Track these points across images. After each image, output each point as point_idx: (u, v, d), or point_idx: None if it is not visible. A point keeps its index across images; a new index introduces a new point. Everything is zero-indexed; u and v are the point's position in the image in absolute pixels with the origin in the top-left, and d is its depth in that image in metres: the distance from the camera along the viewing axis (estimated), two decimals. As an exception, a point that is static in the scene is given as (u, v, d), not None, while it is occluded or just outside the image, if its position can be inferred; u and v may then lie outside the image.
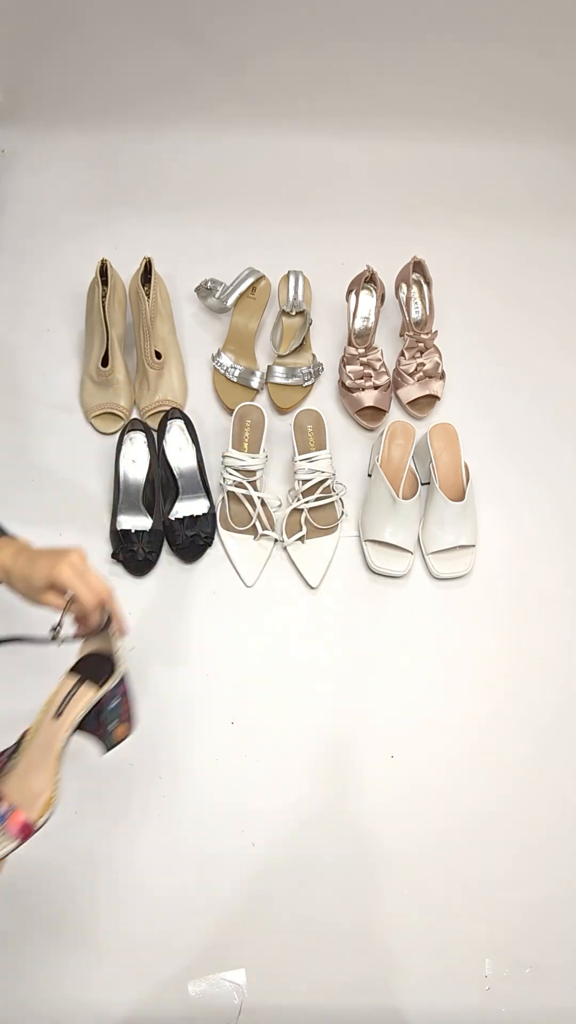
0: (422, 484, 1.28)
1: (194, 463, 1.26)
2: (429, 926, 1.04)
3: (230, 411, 1.32)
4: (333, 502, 1.25)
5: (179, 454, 1.27)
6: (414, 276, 1.40)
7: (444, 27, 1.50)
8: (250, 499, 1.23)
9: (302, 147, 1.62)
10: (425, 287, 1.41)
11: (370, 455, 1.33)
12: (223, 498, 1.25)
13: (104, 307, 1.32)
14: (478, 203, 1.61)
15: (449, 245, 1.52)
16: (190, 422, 1.27)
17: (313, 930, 1.03)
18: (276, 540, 1.24)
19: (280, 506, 1.27)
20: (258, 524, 1.23)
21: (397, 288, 1.43)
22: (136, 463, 1.25)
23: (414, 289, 1.41)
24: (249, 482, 1.23)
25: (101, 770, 1.10)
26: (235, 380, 1.35)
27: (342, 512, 1.26)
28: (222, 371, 1.35)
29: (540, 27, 1.50)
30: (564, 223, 1.60)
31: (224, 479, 1.24)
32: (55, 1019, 0.98)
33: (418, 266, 1.40)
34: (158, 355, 1.31)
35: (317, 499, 1.23)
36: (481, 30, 1.50)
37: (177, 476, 1.25)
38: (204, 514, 1.23)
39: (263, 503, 1.24)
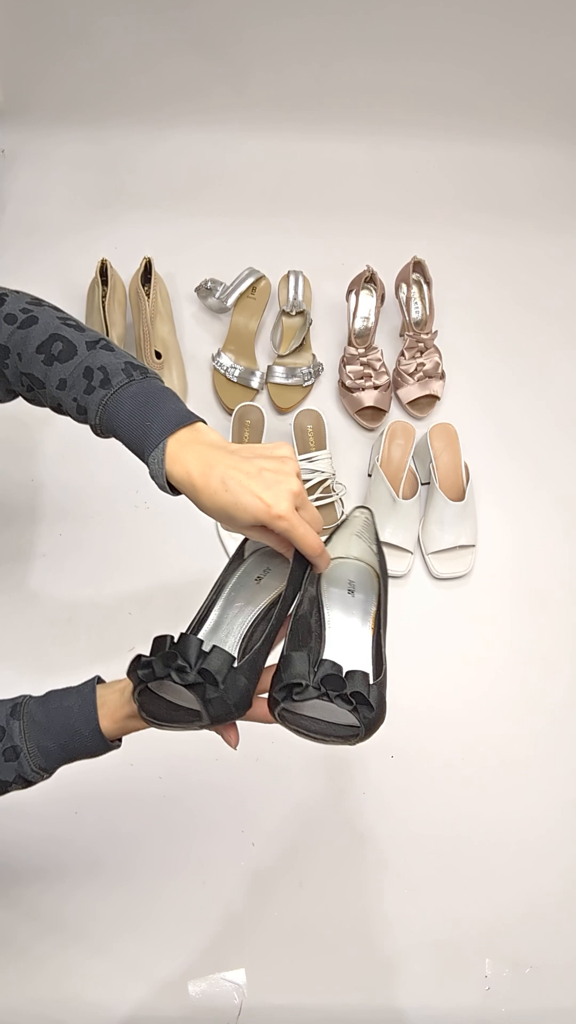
0: (422, 484, 1.28)
1: None
2: (429, 926, 1.04)
3: (230, 411, 1.32)
4: (333, 502, 1.25)
5: None
6: (414, 276, 1.40)
7: (444, 25, 1.50)
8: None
9: (302, 147, 1.62)
10: (425, 287, 1.41)
11: (370, 455, 1.33)
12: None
13: (104, 307, 1.32)
14: (478, 202, 1.61)
15: (449, 244, 1.53)
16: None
17: (313, 930, 1.03)
18: (276, 540, 1.24)
19: (280, 506, 1.26)
20: (258, 524, 1.23)
21: (397, 288, 1.43)
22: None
23: (414, 289, 1.41)
24: (249, 482, 1.23)
25: (101, 771, 1.10)
26: (235, 380, 1.35)
27: (342, 512, 1.26)
28: (222, 371, 1.35)
29: (541, 25, 1.50)
30: (565, 221, 1.60)
31: (224, 479, 1.24)
32: (55, 1019, 0.98)
33: (418, 266, 1.40)
34: (158, 355, 1.31)
35: (317, 499, 1.23)
36: (481, 28, 1.50)
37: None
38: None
39: (263, 503, 1.24)
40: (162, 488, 0.69)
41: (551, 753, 1.14)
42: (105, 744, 0.71)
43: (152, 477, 0.68)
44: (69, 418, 0.75)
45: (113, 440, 0.73)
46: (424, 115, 1.62)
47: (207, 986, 1.00)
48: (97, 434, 0.73)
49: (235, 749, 0.67)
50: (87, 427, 0.73)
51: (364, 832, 1.08)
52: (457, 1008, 1.01)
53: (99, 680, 0.73)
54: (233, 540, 1.23)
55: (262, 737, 1.12)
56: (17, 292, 0.77)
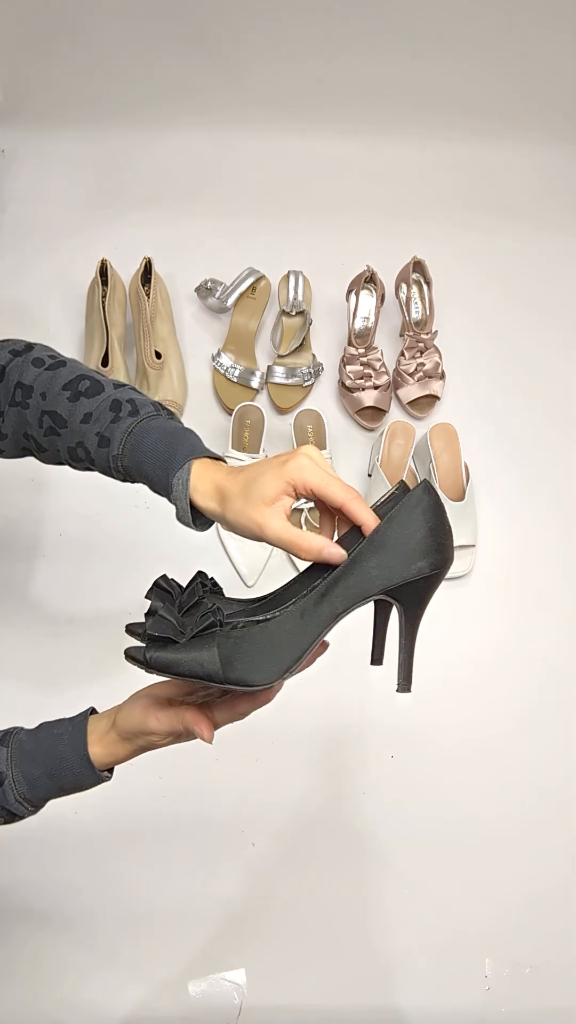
0: (422, 484, 1.28)
1: None
2: (429, 926, 1.04)
3: (230, 411, 1.32)
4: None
5: None
6: (414, 276, 1.40)
7: (444, 24, 1.50)
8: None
9: (302, 147, 1.62)
10: (425, 287, 1.41)
11: (370, 455, 1.33)
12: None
13: (104, 307, 1.32)
14: (479, 201, 1.61)
15: (449, 244, 1.52)
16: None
17: (313, 930, 1.03)
18: (276, 540, 1.24)
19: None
20: (258, 524, 1.23)
21: (397, 288, 1.43)
22: None
23: (414, 289, 1.41)
24: (249, 482, 1.23)
25: (101, 770, 1.10)
26: (235, 380, 1.35)
27: (342, 512, 1.26)
28: (222, 371, 1.35)
29: (542, 24, 1.50)
30: (565, 221, 1.60)
31: (224, 479, 1.24)
32: (55, 1019, 0.98)
33: (418, 266, 1.40)
34: (158, 355, 1.31)
35: (317, 499, 1.23)
36: (482, 26, 1.50)
37: None
38: None
39: (263, 503, 1.24)
40: (183, 514, 0.67)
41: (550, 753, 1.14)
42: (94, 773, 0.69)
43: (175, 500, 0.66)
44: (79, 468, 0.75)
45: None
46: (424, 115, 1.62)
47: (207, 986, 1.00)
48: (116, 468, 0.71)
49: (210, 743, 0.64)
50: (98, 472, 0.73)
51: (364, 832, 1.08)
52: (457, 1008, 1.01)
53: (93, 711, 0.72)
54: (234, 540, 1.23)
55: (262, 737, 1.13)
56: (44, 345, 0.79)
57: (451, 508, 1.22)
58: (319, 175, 1.61)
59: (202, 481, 0.65)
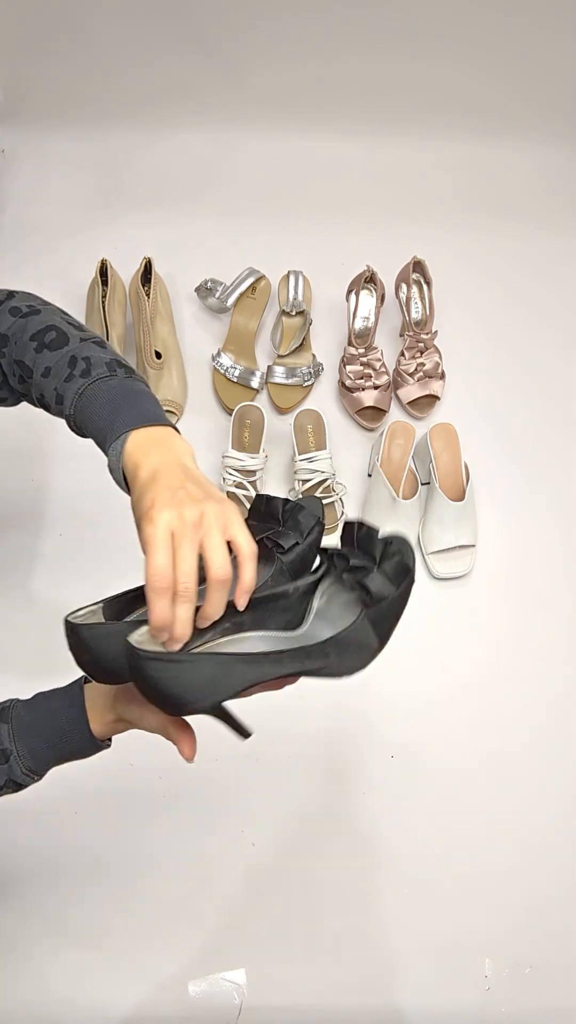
0: (422, 484, 1.28)
1: None
2: (429, 926, 1.04)
3: (230, 411, 1.32)
4: (333, 502, 1.25)
5: None
6: (414, 276, 1.40)
7: (445, 24, 1.50)
8: (250, 499, 1.23)
9: (302, 147, 1.62)
10: (425, 287, 1.41)
11: (370, 455, 1.33)
12: (223, 498, 1.25)
13: (104, 307, 1.32)
14: (479, 201, 1.61)
15: (450, 244, 1.52)
16: None
17: (313, 930, 1.03)
18: (276, 540, 1.24)
19: (280, 506, 1.26)
20: (258, 524, 1.23)
21: (397, 288, 1.43)
22: None
23: (414, 289, 1.41)
24: (249, 482, 1.23)
25: (101, 771, 1.10)
26: (235, 380, 1.35)
27: (342, 512, 1.26)
28: (222, 371, 1.35)
29: (542, 23, 1.50)
30: (565, 221, 1.60)
31: (224, 479, 1.24)
32: (55, 1019, 0.98)
33: (418, 266, 1.40)
34: (158, 355, 1.31)
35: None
36: (482, 26, 1.50)
37: None
38: None
39: (263, 503, 1.24)
40: (119, 484, 0.65)
41: (550, 753, 1.14)
42: (95, 744, 0.71)
43: (110, 470, 0.65)
44: (50, 413, 0.74)
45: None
46: (424, 115, 1.62)
47: (207, 986, 1.00)
48: (72, 428, 0.70)
49: (190, 762, 0.64)
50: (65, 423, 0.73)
51: (364, 832, 1.08)
52: (457, 1008, 1.01)
53: (86, 679, 0.73)
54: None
55: (262, 737, 1.12)
56: (28, 293, 0.78)
57: (451, 508, 1.22)
58: (319, 175, 1.61)
59: (130, 459, 0.63)
